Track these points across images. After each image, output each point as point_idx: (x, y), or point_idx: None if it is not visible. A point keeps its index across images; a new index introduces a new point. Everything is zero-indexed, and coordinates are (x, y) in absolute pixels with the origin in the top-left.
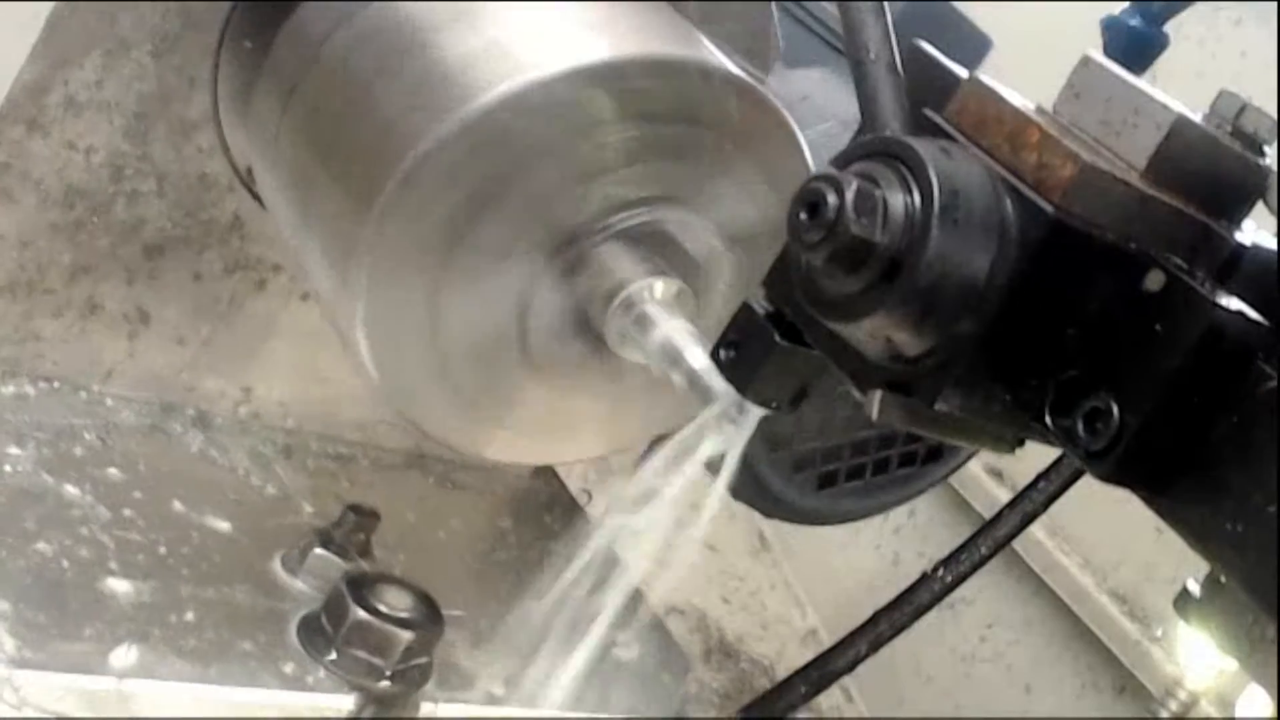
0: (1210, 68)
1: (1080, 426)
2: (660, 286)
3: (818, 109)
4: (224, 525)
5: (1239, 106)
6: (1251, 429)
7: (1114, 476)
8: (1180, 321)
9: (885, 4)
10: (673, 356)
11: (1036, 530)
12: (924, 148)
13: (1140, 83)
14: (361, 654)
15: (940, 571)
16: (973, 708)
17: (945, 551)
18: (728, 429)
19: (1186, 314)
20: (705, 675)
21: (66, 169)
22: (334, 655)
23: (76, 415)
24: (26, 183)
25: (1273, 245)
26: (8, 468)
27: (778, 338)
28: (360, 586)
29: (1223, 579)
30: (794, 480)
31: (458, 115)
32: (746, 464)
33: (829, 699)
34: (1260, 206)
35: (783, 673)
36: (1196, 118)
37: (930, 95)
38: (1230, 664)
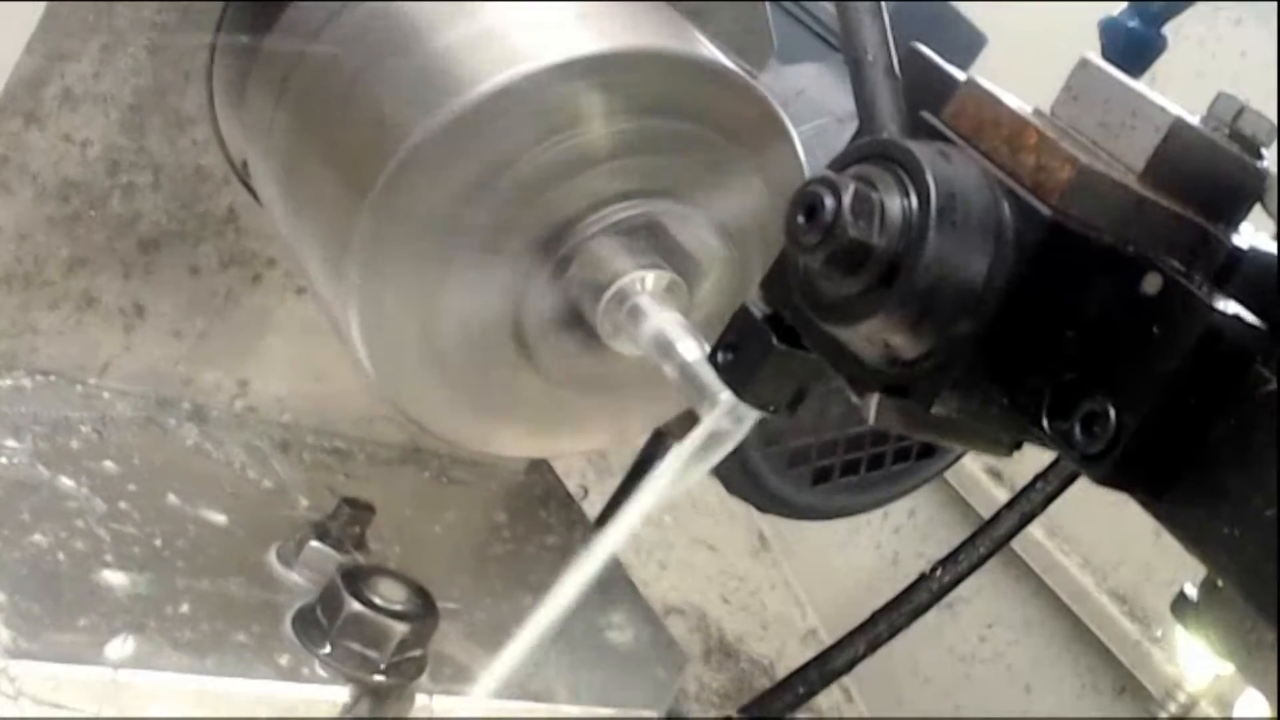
0: (1210, 68)
1: (1077, 429)
2: (652, 279)
3: (812, 104)
4: (220, 518)
5: (1237, 109)
6: (1250, 432)
7: (1111, 479)
8: (1178, 324)
9: (883, 4)
10: (665, 348)
11: (1036, 530)
12: (921, 150)
13: (1138, 85)
14: (356, 646)
15: (939, 572)
16: (972, 708)
17: (944, 551)
18: (723, 423)
19: (1184, 317)
20: (705, 675)
21: (63, 162)
22: (329, 648)
23: (72, 408)
24: (23, 176)
25: (1271, 248)
26: (3, 459)
27: (775, 340)
28: (355, 579)
29: (1220, 583)
30: (789, 475)
31: (450, 108)
32: (742, 459)
33: (828, 699)
34: (1258, 209)
35: (782, 672)
36: (1194, 120)
37: (928, 98)
38: (1229, 666)
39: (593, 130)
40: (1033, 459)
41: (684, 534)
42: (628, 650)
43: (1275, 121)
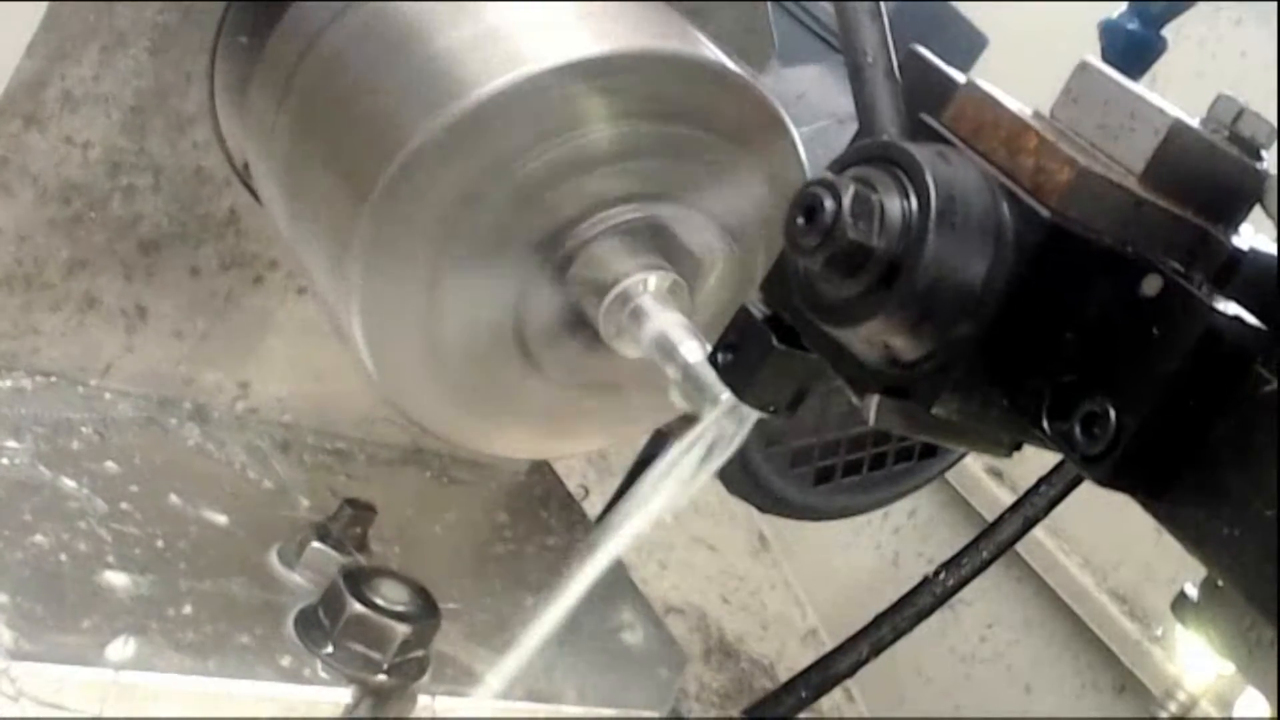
0: (1210, 68)
1: (1078, 430)
2: (654, 280)
3: (813, 106)
4: (221, 519)
5: (1236, 110)
6: (1250, 433)
7: (1111, 480)
8: (1177, 326)
9: (882, 4)
10: (667, 350)
11: (1037, 531)
12: (921, 153)
13: (1137, 87)
14: (358, 647)
15: (942, 575)
16: (973, 708)
17: (945, 551)
18: (724, 424)
19: (1184, 318)
20: (705, 675)
21: (64, 164)
22: (331, 648)
23: (74, 409)
24: (24, 177)
25: (1271, 249)
26: (5, 460)
27: (775, 341)
28: (357, 580)
29: (1220, 583)
30: (790, 476)
31: (451, 109)
32: (743, 459)
33: (829, 698)
34: (1258, 210)
35: (783, 672)
36: (1194, 122)
37: (927, 100)
38: (1229, 666)
39: (594, 132)
40: (1034, 459)
41: (684, 534)
42: (629, 651)
43: (1275, 123)
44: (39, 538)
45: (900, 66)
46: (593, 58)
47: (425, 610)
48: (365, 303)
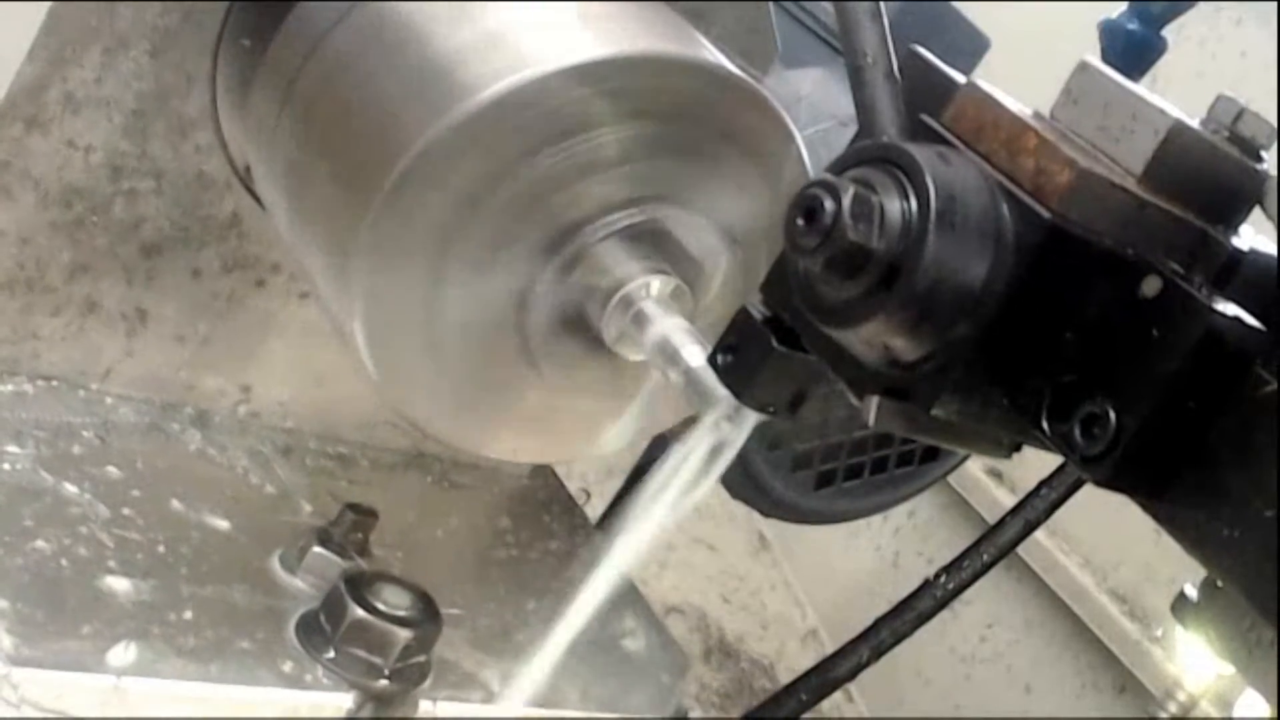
0: (1211, 68)
1: (1077, 431)
2: (657, 284)
3: (815, 108)
4: (223, 524)
5: (1236, 111)
6: (1250, 434)
7: (1111, 481)
8: (1177, 327)
9: (882, 5)
10: (670, 354)
11: (1037, 531)
12: (921, 153)
13: (1137, 88)
14: (360, 652)
15: (942, 578)
16: (973, 708)
17: (945, 551)
18: (725, 428)
19: (1184, 319)
20: (705, 675)
21: (65, 167)
22: (332, 654)
23: (75, 413)
24: (26, 181)
25: (1271, 250)
26: (6, 465)
27: (775, 343)
28: (358, 585)
29: (1220, 583)
30: (792, 479)
31: (454, 112)
32: (745, 463)
33: (829, 699)
34: (1258, 211)
35: (782, 672)
36: (1194, 123)
37: (927, 100)
38: (1229, 666)
39: (598, 135)
40: (1035, 461)
41: (684, 534)
42: (631, 656)
43: (1275, 124)
44: (40, 543)
45: (900, 67)
46: (596, 61)
47: (427, 615)
48: (367, 306)
